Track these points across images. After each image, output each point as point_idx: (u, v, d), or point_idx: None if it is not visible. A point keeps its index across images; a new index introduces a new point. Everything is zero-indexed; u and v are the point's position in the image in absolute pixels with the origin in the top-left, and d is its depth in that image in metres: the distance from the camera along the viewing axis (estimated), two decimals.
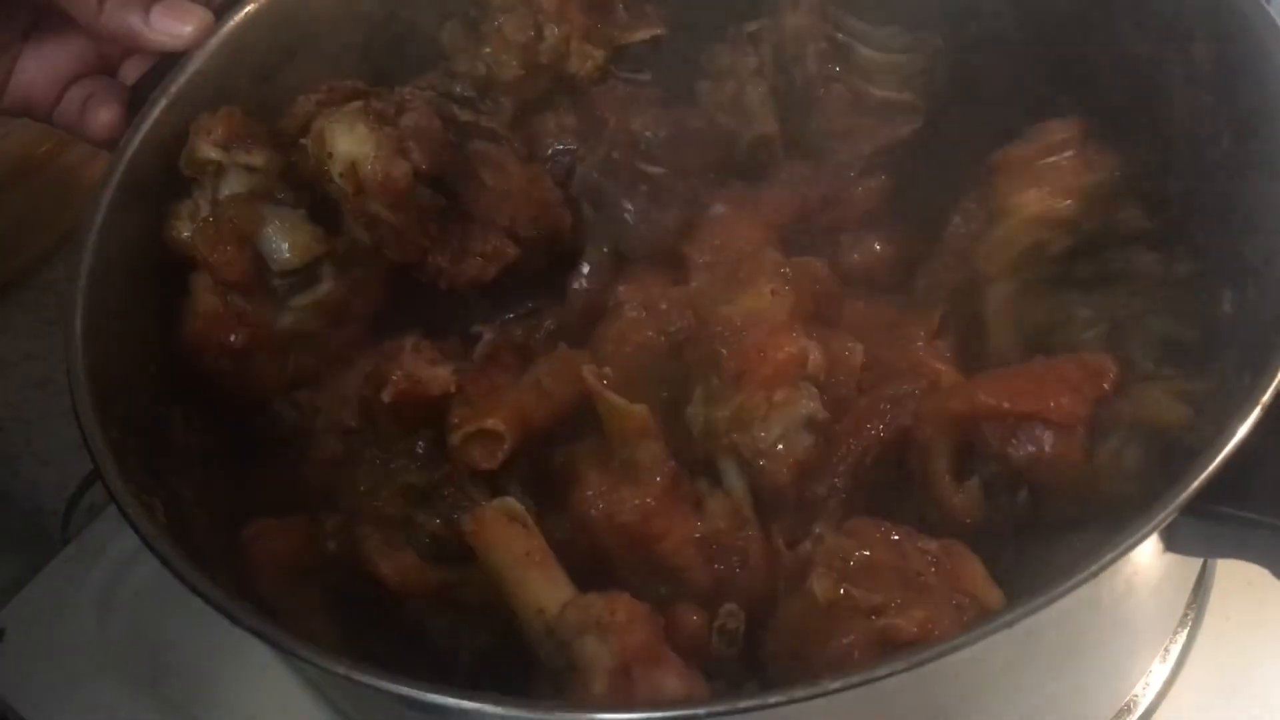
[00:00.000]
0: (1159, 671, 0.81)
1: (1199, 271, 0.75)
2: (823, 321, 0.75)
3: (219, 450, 0.80)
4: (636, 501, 0.69)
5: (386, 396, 0.72)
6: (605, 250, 0.84)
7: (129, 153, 0.79)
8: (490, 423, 0.71)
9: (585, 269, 0.84)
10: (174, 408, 0.78)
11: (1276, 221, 0.69)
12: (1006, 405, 0.68)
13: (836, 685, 0.51)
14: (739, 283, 0.74)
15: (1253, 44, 0.71)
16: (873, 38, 0.89)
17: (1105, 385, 0.68)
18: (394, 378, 0.72)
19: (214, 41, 0.83)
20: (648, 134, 0.83)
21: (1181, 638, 0.83)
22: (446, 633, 0.73)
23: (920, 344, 0.76)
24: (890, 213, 0.87)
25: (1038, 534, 0.70)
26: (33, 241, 1.18)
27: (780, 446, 0.70)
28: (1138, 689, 0.80)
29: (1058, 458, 0.67)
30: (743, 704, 0.51)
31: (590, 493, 0.70)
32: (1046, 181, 0.78)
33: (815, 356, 0.71)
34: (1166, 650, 0.82)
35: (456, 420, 0.72)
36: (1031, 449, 0.67)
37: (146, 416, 0.75)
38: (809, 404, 0.70)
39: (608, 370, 0.72)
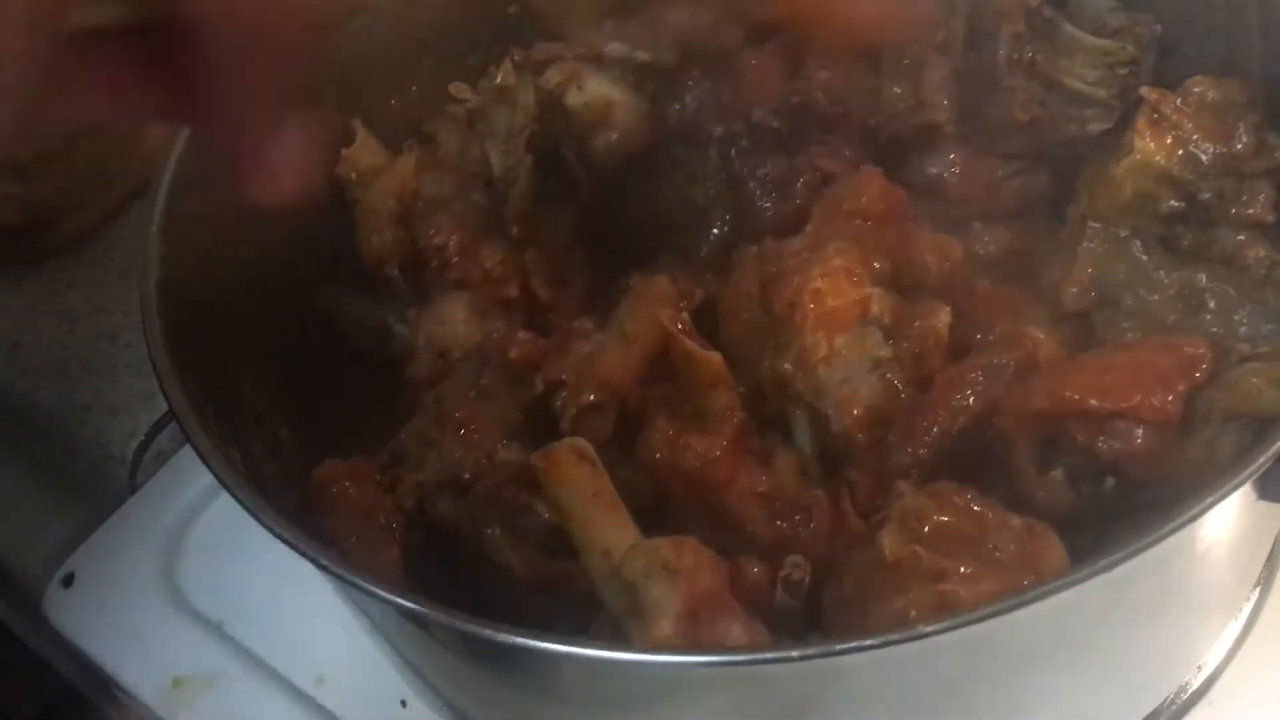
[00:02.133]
0: (1232, 629, 0.80)
1: None
2: (951, 303, 0.73)
3: (288, 409, 0.81)
4: (702, 449, 0.69)
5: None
6: (729, 218, 0.84)
7: None
8: (587, 398, 0.72)
9: (714, 230, 0.84)
10: (243, 369, 0.78)
11: None
12: (1094, 403, 0.65)
13: (933, 629, 0.50)
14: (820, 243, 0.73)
15: None
16: (1086, 10, 0.83)
17: (1198, 374, 0.65)
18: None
19: None
20: (766, 124, 0.82)
21: (1255, 596, 0.82)
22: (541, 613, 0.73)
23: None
24: (1035, 209, 0.84)
25: (1120, 519, 0.68)
26: (101, 196, 1.18)
27: (846, 390, 0.69)
28: (1213, 645, 0.79)
29: (1148, 453, 0.65)
30: (839, 647, 0.50)
31: (658, 437, 0.70)
32: (1177, 135, 0.74)
33: (879, 304, 0.70)
34: (1239, 609, 0.81)
35: (560, 406, 0.73)
36: (1120, 445, 0.65)
37: (218, 374, 0.76)
38: (874, 348, 0.69)
39: (685, 315, 0.71)
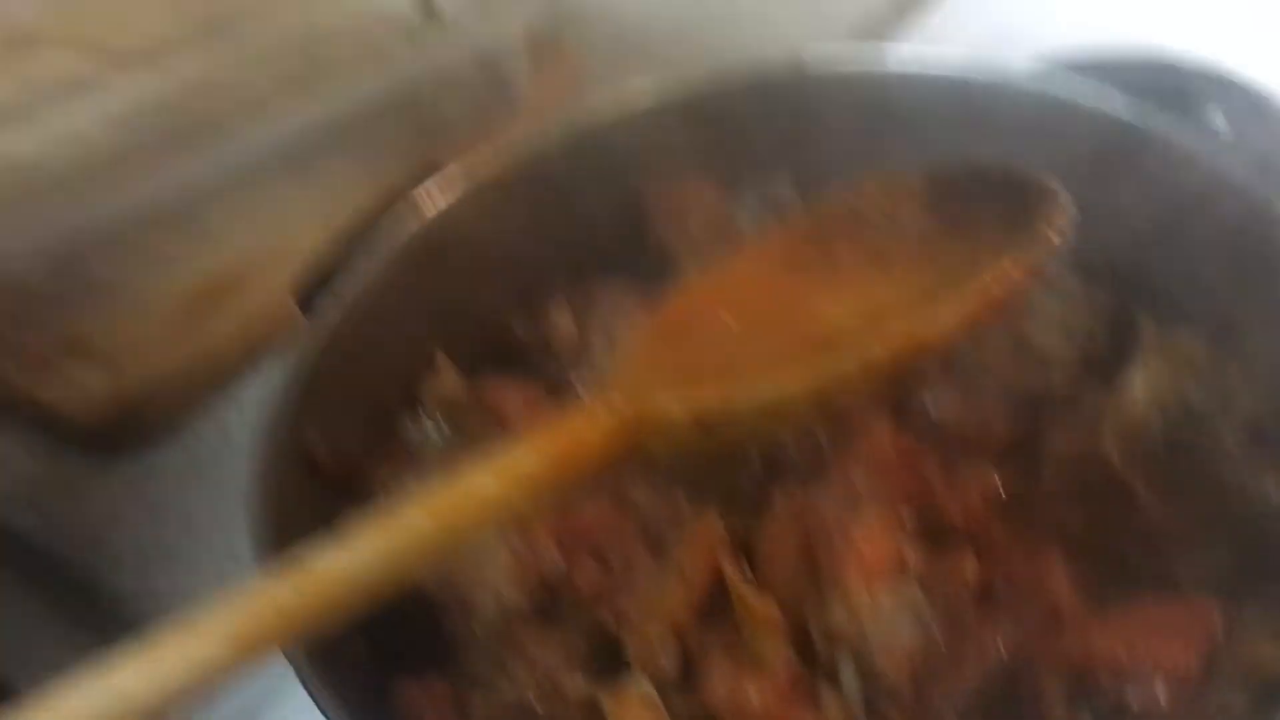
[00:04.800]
0: None
1: None
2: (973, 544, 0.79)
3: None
4: (760, 691, 0.74)
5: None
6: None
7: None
8: (653, 632, 0.78)
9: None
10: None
11: None
12: (1123, 655, 0.72)
13: None
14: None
15: None
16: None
17: (1214, 634, 0.72)
18: None
19: (386, 251, 0.89)
20: None
21: None
22: None
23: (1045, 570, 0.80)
24: (1020, 451, 0.87)
25: None
26: (186, 388, 1.21)
27: (890, 639, 0.75)
28: None
29: (1172, 705, 0.71)
30: None
31: (720, 675, 0.76)
32: (1175, 361, 0.84)
33: (914, 558, 0.76)
34: None
35: (625, 640, 0.79)
36: (1146, 696, 0.71)
37: None
38: (912, 597, 0.75)
39: (744, 562, 0.78)
